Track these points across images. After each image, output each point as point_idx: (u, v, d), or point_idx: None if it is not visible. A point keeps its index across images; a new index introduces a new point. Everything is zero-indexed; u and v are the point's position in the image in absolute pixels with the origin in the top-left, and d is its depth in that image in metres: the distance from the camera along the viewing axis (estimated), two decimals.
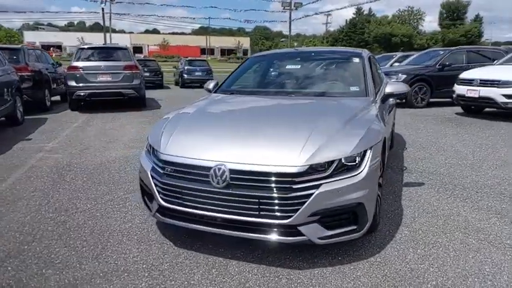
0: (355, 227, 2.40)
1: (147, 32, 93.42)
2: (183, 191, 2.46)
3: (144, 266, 2.47)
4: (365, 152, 2.43)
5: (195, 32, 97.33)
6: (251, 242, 2.58)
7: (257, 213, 2.30)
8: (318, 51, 4.62)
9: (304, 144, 2.38)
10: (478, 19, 70.98)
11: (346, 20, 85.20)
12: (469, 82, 8.44)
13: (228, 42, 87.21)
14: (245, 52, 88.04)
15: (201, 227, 2.50)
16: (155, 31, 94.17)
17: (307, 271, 2.39)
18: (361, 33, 79.96)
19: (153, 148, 2.77)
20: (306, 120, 2.85)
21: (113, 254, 2.61)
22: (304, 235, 2.30)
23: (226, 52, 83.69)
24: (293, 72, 4.03)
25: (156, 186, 2.60)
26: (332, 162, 2.33)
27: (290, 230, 2.30)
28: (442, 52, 11.21)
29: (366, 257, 2.56)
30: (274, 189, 2.28)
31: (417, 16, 79.51)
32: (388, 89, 3.38)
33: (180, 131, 2.79)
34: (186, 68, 20.51)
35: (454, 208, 3.38)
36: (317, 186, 2.27)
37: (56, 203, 3.57)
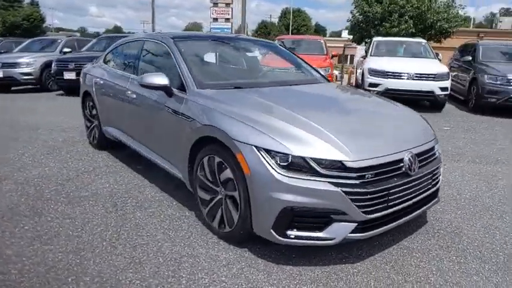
0: None
1: None
2: (390, 191, 2.29)
3: None
4: None
5: None
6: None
7: (431, 185, 2.62)
8: (243, 39, 4.04)
9: (420, 120, 2.90)
10: (34, 3, 69.97)
11: None
12: None
13: None
14: None
15: (395, 223, 2.43)
16: None
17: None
18: None
19: (328, 161, 2.16)
20: (373, 103, 3.27)
21: None
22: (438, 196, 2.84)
23: None
24: (252, 61, 3.59)
25: (354, 202, 2.16)
26: None
27: (437, 193, 2.78)
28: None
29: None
30: (434, 160, 2.67)
31: None
32: None
33: (338, 132, 2.34)
34: None
35: None
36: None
37: None
